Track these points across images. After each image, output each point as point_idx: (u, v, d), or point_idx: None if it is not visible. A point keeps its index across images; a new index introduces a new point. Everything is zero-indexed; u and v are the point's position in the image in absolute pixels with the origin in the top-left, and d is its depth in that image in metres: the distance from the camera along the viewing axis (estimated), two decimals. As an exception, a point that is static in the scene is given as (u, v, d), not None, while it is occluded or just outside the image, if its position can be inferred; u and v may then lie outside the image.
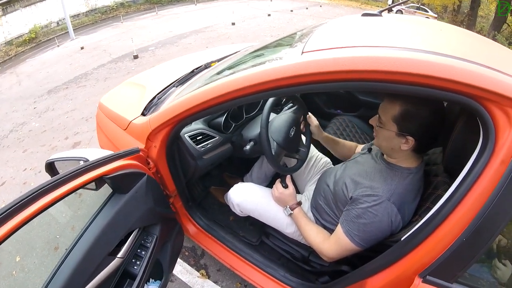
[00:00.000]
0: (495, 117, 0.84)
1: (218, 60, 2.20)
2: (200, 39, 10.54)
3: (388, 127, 1.16)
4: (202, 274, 2.18)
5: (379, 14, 1.41)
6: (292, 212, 1.50)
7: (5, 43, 16.68)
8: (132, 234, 1.28)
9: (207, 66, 2.13)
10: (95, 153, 1.28)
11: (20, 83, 9.43)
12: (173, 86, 1.93)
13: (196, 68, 2.14)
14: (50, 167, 1.36)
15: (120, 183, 1.22)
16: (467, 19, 18.93)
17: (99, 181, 1.16)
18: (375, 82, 0.94)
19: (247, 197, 1.69)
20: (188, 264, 2.26)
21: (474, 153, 0.91)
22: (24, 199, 0.90)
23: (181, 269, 2.22)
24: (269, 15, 15.18)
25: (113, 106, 1.96)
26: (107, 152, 1.27)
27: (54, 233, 1.46)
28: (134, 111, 1.73)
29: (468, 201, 0.88)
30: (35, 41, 16.99)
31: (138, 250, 1.34)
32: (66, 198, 1.04)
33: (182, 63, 2.67)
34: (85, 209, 1.26)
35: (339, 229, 1.26)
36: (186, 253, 2.33)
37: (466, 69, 0.83)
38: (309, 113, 1.79)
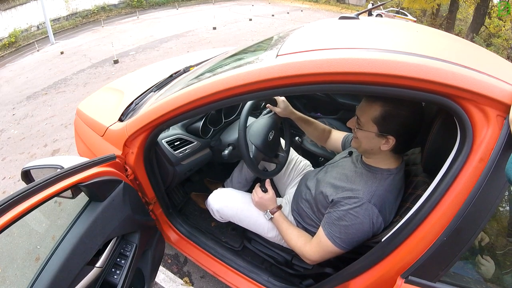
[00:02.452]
0: (472, 115, 0.85)
1: (197, 64, 2.18)
2: (181, 44, 10.51)
3: (367, 128, 1.16)
4: (186, 282, 2.15)
5: (356, 17, 1.42)
6: (272, 216, 1.49)
7: None
8: (111, 243, 1.26)
9: (186, 70, 2.11)
10: (70, 160, 1.25)
11: None
12: (151, 91, 1.91)
13: (175, 73, 2.12)
14: (26, 175, 1.33)
15: (96, 191, 1.19)
16: (445, 22, 19.31)
17: (75, 189, 1.13)
18: (351, 84, 0.94)
19: (227, 203, 1.68)
20: (171, 272, 2.23)
21: (452, 152, 0.92)
22: None
23: (164, 277, 2.19)
24: (250, 19, 15.20)
25: (91, 112, 1.92)
26: (83, 159, 1.24)
27: (34, 244, 1.42)
28: (112, 117, 1.70)
29: (447, 200, 0.89)
30: (15, 45, 16.63)
31: (118, 259, 1.32)
32: (46, 208, 1.02)
33: (161, 67, 2.65)
34: (65, 218, 1.23)
35: (320, 232, 1.25)
36: (169, 261, 2.30)
37: (441, 68, 0.84)
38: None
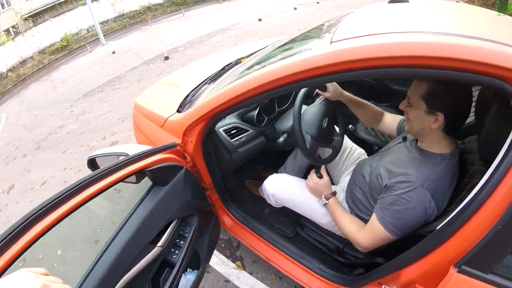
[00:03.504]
0: None
1: (247, 56, 2.23)
2: (228, 37, 10.63)
3: (416, 106, 1.16)
4: (238, 266, 2.24)
5: (406, 0, 1.40)
6: (327, 202, 1.52)
7: (38, 52, 17.84)
8: (171, 225, 1.34)
9: (237, 62, 2.17)
10: (134, 148, 1.35)
11: (56, 89, 10.02)
12: (206, 83, 2.00)
13: (227, 65, 2.20)
14: (92, 163, 1.44)
15: (159, 176, 1.29)
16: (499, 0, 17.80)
17: (139, 174, 1.23)
18: (406, 68, 0.94)
19: (282, 187, 1.72)
20: (224, 256, 2.34)
21: (508, 139, 0.89)
22: (66, 192, 0.96)
23: (218, 261, 2.30)
24: (295, 8, 14.87)
25: (149, 105, 2.06)
26: (146, 147, 1.33)
27: (94, 228, 1.53)
28: (170, 109, 1.80)
29: (503, 188, 0.87)
30: (67, 48, 17.91)
31: (177, 240, 1.41)
32: (105, 194, 1.10)
33: (213, 60, 2.74)
34: (123, 204, 1.33)
35: (373, 218, 1.26)
36: (222, 245, 2.41)
37: (497, 51, 0.82)
38: None
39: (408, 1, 1.40)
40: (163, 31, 14.37)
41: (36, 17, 19.32)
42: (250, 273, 2.20)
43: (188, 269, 1.52)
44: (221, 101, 1.36)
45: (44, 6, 19.49)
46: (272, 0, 19.24)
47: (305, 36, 1.64)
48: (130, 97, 6.53)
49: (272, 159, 2.47)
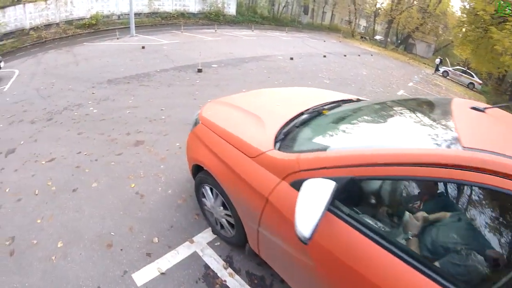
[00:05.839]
0: None
1: (329, 109, 2.30)
2: (261, 67, 10.62)
3: None
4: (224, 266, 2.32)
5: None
6: None
7: (65, 21, 17.48)
8: None
9: (320, 112, 2.22)
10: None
11: (78, 64, 9.65)
12: (295, 125, 2.02)
13: (306, 110, 2.24)
14: None
15: None
16: (510, 89, 18.20)
17: None
18: None
19: None
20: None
21: None
22: None
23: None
24: (324, 56, 15.44)
25: (227, 126, 2.12)
26: None
27: None
28: (261, 142, 1.82)
29: None
30: (95, 27, 17.76)
31: None
32: None
33: (280, 95, 2.92)
34: None
35: None
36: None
37: None
38: None
39: None
40: (196, 42, 14.34)
41: (75, -13, 19.24)
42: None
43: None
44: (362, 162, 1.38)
45: (86, -21, 19.53)
46: (301, 41, 20.05)
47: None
48: (159, 99, 6.23)
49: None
